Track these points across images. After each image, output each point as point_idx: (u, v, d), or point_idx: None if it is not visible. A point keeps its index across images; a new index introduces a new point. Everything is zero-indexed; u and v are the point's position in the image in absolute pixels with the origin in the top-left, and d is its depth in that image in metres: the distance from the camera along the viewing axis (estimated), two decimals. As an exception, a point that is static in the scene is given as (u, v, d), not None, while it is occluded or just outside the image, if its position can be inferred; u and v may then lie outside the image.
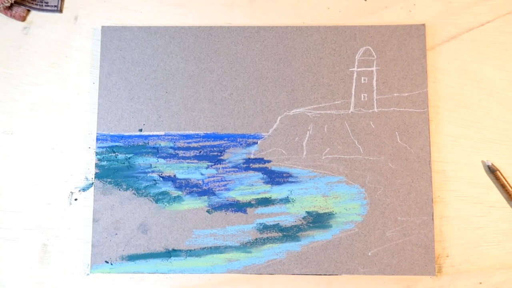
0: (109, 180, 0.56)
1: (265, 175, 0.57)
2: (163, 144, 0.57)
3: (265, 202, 0.56)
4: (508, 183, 0.56)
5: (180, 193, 0.56)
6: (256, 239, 0.55)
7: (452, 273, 0.56)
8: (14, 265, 0.57)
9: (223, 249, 0.55)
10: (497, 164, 0.57)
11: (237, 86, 0.58)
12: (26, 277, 0.56)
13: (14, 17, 0.58)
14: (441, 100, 0.58)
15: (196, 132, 0.57)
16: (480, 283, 0.55)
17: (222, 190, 0.57)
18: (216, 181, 0.57)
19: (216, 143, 0.57)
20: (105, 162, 0.57)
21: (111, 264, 0.55)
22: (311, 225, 0.56)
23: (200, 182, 0.57)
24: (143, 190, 0.56)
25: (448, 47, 0.59)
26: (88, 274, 0.56)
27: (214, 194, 0.56)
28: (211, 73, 0.58)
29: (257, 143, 0.57)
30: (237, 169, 0.57)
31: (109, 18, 0.60)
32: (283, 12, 0.60)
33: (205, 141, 0.57)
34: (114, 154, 0.57)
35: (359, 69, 0.58)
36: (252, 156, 0.57)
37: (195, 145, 0.57)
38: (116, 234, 0.56)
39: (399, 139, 0.57)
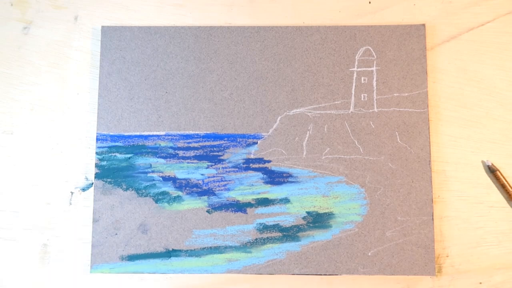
0: (109, 180, 0.56)
1: (265, 175, 0.57)
2: (163, 144, 0.57)
3: (265, 202, 0.56)
4: (508, 183, 0.56)
5: (180, 193, 0.56)
6: (256, 239, 0.55)
7: (452, 273, 0.56)
8: (14, 265, 0.57)
9: (223, 249, 0.55)
10: (497, 164, 0.57)
11: (237, 86, 0.58)
12: (26, 277, 0.56)
13: None
14: (441, 100, 0.58)
15: (196, 132, 0.57)
16: (480, 283, 0.55)
17: (222, 190, 0.57)
18: (216, 181, 0.57)
19: (216, 143, 0.57)
20: (105, 162, 0.57)
21: (111, 264, 0.55)
22: (311, 225, 0.56)
23: (200, 182, 0.57)
24: (143, 190, 0.56)
25: (448, 47, 0.59)
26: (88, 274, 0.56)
27: (214, 194, 0.56)
28: (211, 73, 0.58)
29: (257, 143, 0.57)
30: (237, 169, 0.57)
31: (109, 18, 0.60)
32: (283, 12, 0.60)
33: (205, 141, 0.57)
34: (114, 154, 0.57)
35: (359, 69, 0.58)
36: (252, 156, 0.57)
37: (195, 145, 0.57)
38: (116, 234, 0.55)
39: (399, 139, 0.57)
